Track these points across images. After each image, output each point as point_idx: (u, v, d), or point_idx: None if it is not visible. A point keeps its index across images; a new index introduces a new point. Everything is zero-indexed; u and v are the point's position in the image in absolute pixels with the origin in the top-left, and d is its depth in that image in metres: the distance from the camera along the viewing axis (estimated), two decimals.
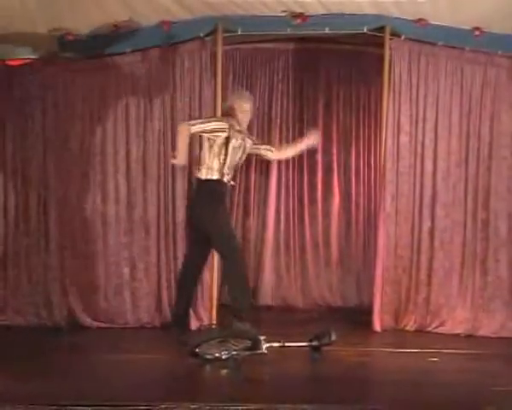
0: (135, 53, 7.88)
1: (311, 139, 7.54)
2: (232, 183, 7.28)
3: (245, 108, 7.15)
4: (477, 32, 7.68)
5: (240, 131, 7.09)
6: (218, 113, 7.72)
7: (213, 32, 7.77)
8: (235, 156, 7.06)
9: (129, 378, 5.92)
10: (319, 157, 9.46)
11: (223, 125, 6.99)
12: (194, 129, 6.92)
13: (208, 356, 6.37)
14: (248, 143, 7.26)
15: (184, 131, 6.89)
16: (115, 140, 7.93)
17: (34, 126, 7.97)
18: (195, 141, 7.50)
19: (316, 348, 6.68)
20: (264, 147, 7.64)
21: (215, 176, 6.97)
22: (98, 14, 7.47)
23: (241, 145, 7.08)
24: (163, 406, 5.10)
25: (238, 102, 7.16)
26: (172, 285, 7.80)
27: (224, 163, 6.97)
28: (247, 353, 6.42)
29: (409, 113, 7.85)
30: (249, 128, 9.29)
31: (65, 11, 7.35)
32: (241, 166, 9.36)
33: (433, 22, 7.63)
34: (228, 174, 7.05)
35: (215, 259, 7.81)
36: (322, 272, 9.46)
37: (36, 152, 7.97)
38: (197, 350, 6.39)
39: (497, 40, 7.76)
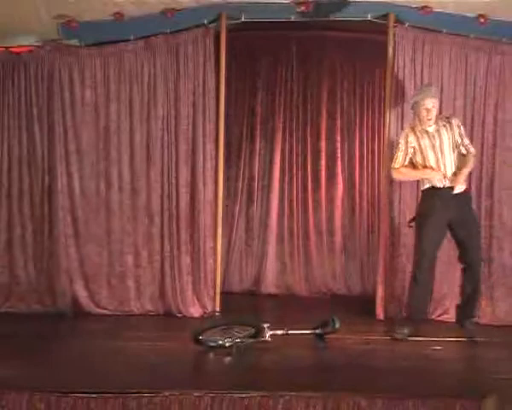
0: (138, 40, 7.88)
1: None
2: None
3: (425, 105, 6.91)
4: (482, 20, 7.63)
5: (426, 131, 6.94)
6: (221, 100, 7.77)
7: (217, 20, 7.78)
8: (436, 155, 6.90)
9: (132, 366, 5.93)
10: (323, 144, 9.46)
11: (406, 137, 6.98)
12: (398, 165, 7.01)
13: (212, 343, 6.39)
14: (452, 131, 6.95)
15: (396, 176, 7.16)
16: (119, 127, 7.93)
17: (39, 113, 7.97)
18: None
19: (319, 336, 6.69)
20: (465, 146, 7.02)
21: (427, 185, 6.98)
22: (101, 1, 7.46)
23: (433, 142, 6.90)
24: (166, 393, 5.11)
25: (418, 99, 6.99)
26: (176, 273, 7.83)
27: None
28: (251, 340, 6.43)
29: (412, 100, 7.81)
30: (251, 115, 9.41)
31: None
32: (245, 153, 9.47)
33: (437, 9, 7.60)
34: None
35: (218, 244, 7.91)
36: (325, 259, 9.47)
37: (41, 138, 7.98)
38: (201, 337, 6.41)
39: (502, 27, 7.70)
